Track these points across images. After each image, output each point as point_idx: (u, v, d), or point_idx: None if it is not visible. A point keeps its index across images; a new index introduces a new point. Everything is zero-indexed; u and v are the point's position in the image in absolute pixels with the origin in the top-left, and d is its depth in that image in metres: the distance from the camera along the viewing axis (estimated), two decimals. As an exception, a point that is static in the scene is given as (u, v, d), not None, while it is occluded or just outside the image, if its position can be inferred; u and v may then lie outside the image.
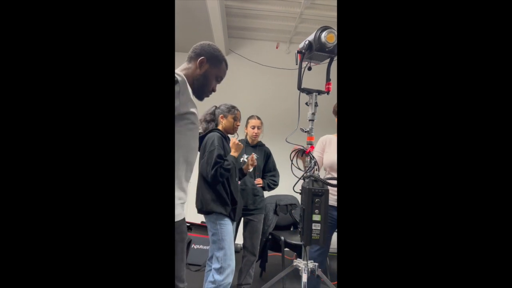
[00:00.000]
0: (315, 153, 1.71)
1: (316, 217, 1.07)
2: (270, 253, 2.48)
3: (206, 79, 0.99)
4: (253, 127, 2.03)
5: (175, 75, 0.84)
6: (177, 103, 0.82)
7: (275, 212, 2.46)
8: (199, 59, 0.98)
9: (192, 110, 0.91)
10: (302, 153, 1.28)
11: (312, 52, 1.24)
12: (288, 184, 1.51)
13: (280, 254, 2.26)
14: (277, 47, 3.48)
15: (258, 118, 2.07)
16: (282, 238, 2.22)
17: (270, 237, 2.34)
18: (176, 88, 0.82)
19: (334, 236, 1.72)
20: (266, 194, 2.25)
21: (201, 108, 1.07)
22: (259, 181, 2.04)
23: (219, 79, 1.04)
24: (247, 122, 2.08)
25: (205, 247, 2.57)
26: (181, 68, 1.00)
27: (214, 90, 1.04)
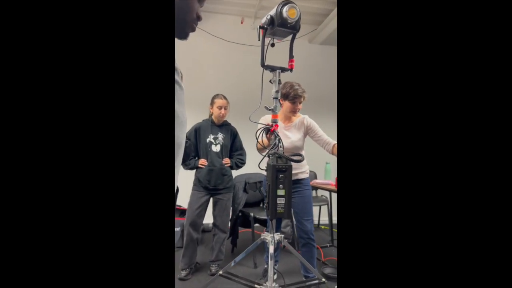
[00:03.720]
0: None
1: (281, 192, 1.11)
2: (241, 230, 2.55)
3: (187, 3, 0.65)
4: (220, 107, 1.98)
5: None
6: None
7: (245, 190, 2.51)
8: None
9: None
10: (267, 131, 1.29)
11: (274, 27, 1.21)
12: (257, 162, 1.53)
13: (250, 230, 2.35)
14: (242, 22, 3.36)
15: (224, 98, 2.02)
16: (252, 214, 2.29)
17: (240, 214, 2.40)
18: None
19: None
20: (236, 173, 2.27)
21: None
22: (226, 160, 2.04)
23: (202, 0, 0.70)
24: (213, 102, 2.03)
25: (176, 229, 2.57)
26: None
27: (200, 18, 0.69)
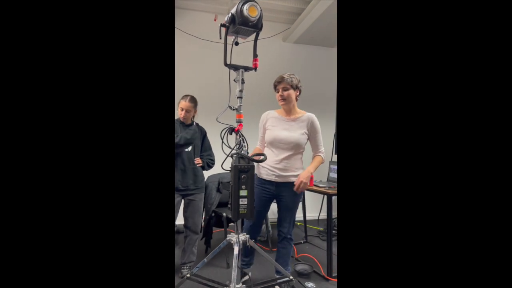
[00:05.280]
0: (261, 129, 1.73)
1: (243, 193, 1.10)
2: (215, 230, 2.53)
3: None
4: (182, 109, 1.96)
5: None
6: None
7: (218, 190, 2.49)
8: None
9: None
10: (231, 131, 1.27)
11: (236, 26, 1.20)
12: (229, 161, 1.50)
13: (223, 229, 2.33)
14: (215, 19, 3.31)
15: (191, 101, 1.97)
16: (224, 214, 2.27)
17: (213, 214, 2.37)
18: None
19: (273, 206, 1.79)
20: (210, 172, 2.23)
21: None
22: (198, 160, 2.01)
23: None
24: (179, 102, 1.99)
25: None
26: None
27: None
